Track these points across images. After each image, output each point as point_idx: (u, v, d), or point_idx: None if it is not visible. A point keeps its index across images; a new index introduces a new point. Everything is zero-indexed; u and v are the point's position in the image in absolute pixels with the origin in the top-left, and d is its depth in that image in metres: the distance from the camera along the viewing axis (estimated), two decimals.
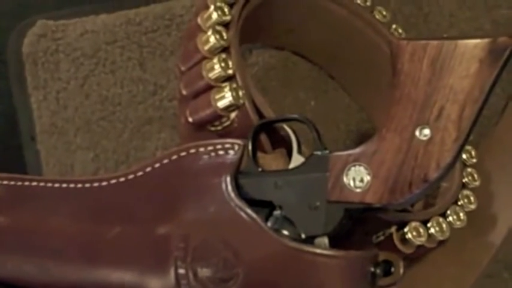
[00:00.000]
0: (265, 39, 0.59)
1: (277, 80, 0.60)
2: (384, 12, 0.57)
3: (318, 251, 0.40)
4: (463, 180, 0.53)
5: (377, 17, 0.56)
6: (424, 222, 0.48)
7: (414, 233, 0.47)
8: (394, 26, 0.57)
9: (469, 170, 0.54)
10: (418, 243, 0.48)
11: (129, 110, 0.57)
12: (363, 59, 0.57)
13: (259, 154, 0.46)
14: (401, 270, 0.43)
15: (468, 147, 0.54)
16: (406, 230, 0.47)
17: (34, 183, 0.50)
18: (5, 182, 0.50)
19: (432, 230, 0.48)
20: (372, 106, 0.59)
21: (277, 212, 0.42)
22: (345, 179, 0.41)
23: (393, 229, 0.48)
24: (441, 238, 0.49)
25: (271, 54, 0.61)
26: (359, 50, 0.57)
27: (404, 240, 0.48)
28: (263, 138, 0.46)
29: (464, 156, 0.54)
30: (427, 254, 0.53)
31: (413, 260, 0.53)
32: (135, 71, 0.58)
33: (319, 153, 0.42)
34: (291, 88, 0.60)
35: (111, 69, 0.58)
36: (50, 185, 0.50)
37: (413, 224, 0.48)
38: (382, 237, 0.48)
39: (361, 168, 0.40)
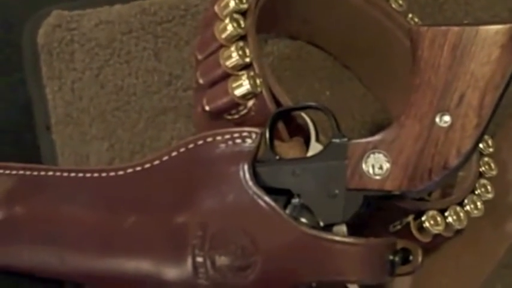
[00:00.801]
0: (281, 29, 0.59)
1: (292, 69, 0.60)
2: (400, 1, 0.57)
3: (337, 238, 0.40)
4: (480, 170, 0.53)
5: (393, 6, 0.56)
6: (442, 211, 0.48)
7: (432, 222, 0.47)
8: (410, 15, 0.57)
9: (486, 159, 0.53)
10: (436, 232, 0.48)
11: (144, 100, 0.57)
12: (379, 48, 0.57)
13: (277, 142, 0.46)
14: (420, 259, 0.42)
15: (485, 137, 0.54)
16: (423, 218, 0.47)
17: (50, 173, 0.50)
18: (21, 172, 0.51)
19: (450, 219, 0.48)
20: (388, 96, 0.59)
21: (295, 200, 0.42)
22: (363, 167, 0.41)
23: (410, 218, 0.48)
24: (458, 227, 0.49)
25: (286, 44, 0.60)
26: (375, 40, 0.56)
27: (421, 228, 0.48)
28: (280, 126, 0.46)
29: (481, 145, 0.54)
30: (444, 244, 0.53)
31: (430, 250, 0.52)
32: (150, 61, 0.58)
33: (337, 141, 0.42)
34: (306, 78, 0.60)
35: (126, 60, 0.58)
36: (65, 174, 0.50)
37: (431, 212, 0.48)
38: (399, 226, 0.48)
39: (380, 156, 0.40)
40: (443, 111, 0.39)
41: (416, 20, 0.57)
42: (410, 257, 0.43)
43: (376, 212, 0.44)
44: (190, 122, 0.57)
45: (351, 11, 0.55)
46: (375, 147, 0.40)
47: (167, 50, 0.59)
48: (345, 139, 0.42)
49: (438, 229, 0.47)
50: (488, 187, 0.52)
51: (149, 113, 0.57)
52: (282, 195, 0.43)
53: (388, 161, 0.40)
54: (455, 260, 0.54)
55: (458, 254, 0.53)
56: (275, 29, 0.59)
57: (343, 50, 0.59)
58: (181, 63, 0.59)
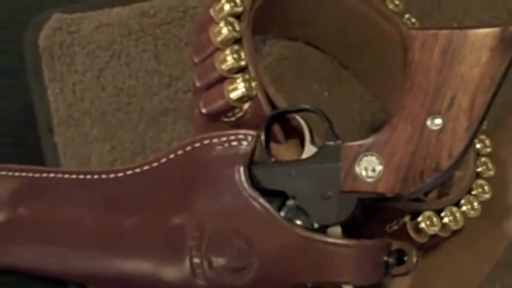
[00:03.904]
0: (278, 30, 0.59)
1: (290, 70, 0.60)
2: (397, 2, 0.57)
3: (330, 240, 0.41)
4: (477, 170, 0.53)
5: (389, 6, 0.56)
6: (438, 212, 0.49)
7: (428, 223, 0.48)
8: (407, 16, 0.57)
9: (483, 159, 0.53)
10: (432, 232, 0.48)
11: (145, 101, 0.57)
12: (375, 48, 0.57)
13: (273, 144, 0.46)
14: (415, 259, 0.43)
15: (482, 137, 0.54)
16: (419, 219, 0.48)
17: (52, 175, 0.51)
18: (24, 174, 0.51)
19: (446, 220, 0.49)
20: (385, 96, 0.59)
21: (290, 202, 0.43)
22: (357, 169, 0.41)
23: (407, 218, 0.48)
24: (455, 228, 0.49)
25: (285, 44, 0.61)
26: (371, 40, 0.57)
27: (418, 229, 0.48)
28: (276, 128, 0.46)
29: (478, 145, 0.54)
30: (442, 243, 0.53)
31: (428, 249, 0.53)
32: (150, 62, 0.59)
33: (331, 143, 0.43)
34: (305, 79, 0.60)
35: (126, 62, 0.58)
36: (67, 176, 0.51)
37: (427, 213, 0.48)
38: (395, 227, 0.49)
39: (373, 158, 0.41)
40: (434, 114, 0.39)
41: (413, 20, 0.57)
42: (405, 258, 0.43)
43: (373, 213, 0.45)
44: (190, 123, 0.57)
45: (346, 11, 0.55)
46: (367, 150, 0.41)
47: (167, 52, 0.59)
48: (339, 141, 0.43)
49: (434, 230, 0.48)
50: (486, 187, 0.52)
51: (150, 114, 0.57)
52: (277, 197, 0.43)
53: (380, 164, 0.40)
54: (453, 260, 0.54)
55: (457, 253, 0.53)
56: (272, 31, 0.59)
57: (341, 50, 0.60)
58: (181, 64, 0.59)
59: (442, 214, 0.49)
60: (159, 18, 0.59)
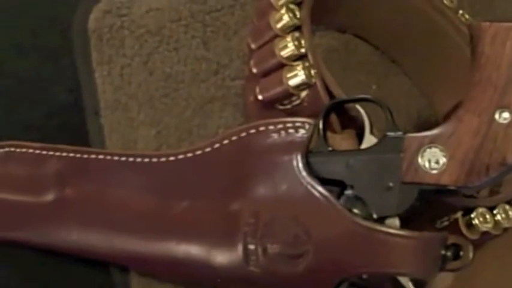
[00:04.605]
0: (329, 21, 0.59)
1: (339, 62, 0.60)
2: None
3: (393, 231, 0.40)
4: None
5: (444, 1, 0.56)
6: (490, 209, 0.48)
7: (481, 219, 0.47)
8: (461, 12, 0.57)
9: None
10: (484, 229, 0.47)
11: (192, 88, 0.57)
12: (430, 44, 0.57)
13: (329, 134, 0.46)
14: (471, 255, 0.42)
15: None
16: (473, 215, 0.47)
17: (100, 156, 0.51)
18: (71, 155, 0.51)
19: (498, 217, 0.48)
20: (435, 92, 0.59)
21: (348, 191, 0.43)
22: (420, 160, 0.41)
23: (459, 214, 0.48)
24: (507, 225, 0.49)
25: (334, 36, 0.60)
26: (426, 35, 0.56)
27: (470, 225, 0.48)
28: (333, 118, 0.46)
29: None
30: (488, 242, 0.53)
31: (476, 247, 0.52)
32: (199, 49, 0.58)
33: (392, 134, 0.42)
34: (353, 71, 0.60)
35: (175, 47, 0.58)
36: (116, 158, 0.50)
37: (480, 209, 0.48)
38: (446, 222, 0.48)
39: (437, 150, 0.40)
40: (503, 108, 0.39)
41: (467, 16, 0.57)
42: (461, 253, 0.43)
43: (424, 208, 0.44)
44: (237, 111, 0.57)
45: (403, 5, 0.55)
46: (431, 142, 0.41)
47: (215, 39, 0.59)
48: (400, 132, 0.42)
49: (487, 226, 0.47)
50: None
51: (197, 101, 0.57)
52: (332, 185, 0.43)
53: (445, 156, 0.40)
54: (499, 259, 0.53)
55: (503, 253, 0.53)
56: (324, 21, 0.59)
57: (392, 44, 0.59)
58: (229, 52, 0.59)
59: (495, 211, 0.48)
60: (209, 5, 0.59)
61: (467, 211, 0.48)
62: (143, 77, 0.57)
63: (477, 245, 0.51)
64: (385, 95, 0.60)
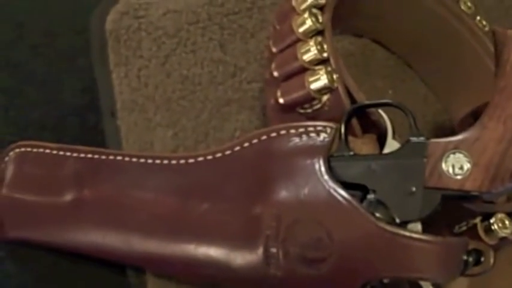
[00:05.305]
0: (346, 25, 0.59)
1: (355, 66, 0.60)
2: (469, 4, 0.57)
3: (416, 235, 0.40)
4: None
5: (462, 7, 0.56)
6: (509, 215, 0.48)
7: (500, 224, 0.47)
8: (478, 18, 0.57)
9: None
10: (503, 234, 0.48)
11: (209, 90, 0.57)
12: (447, 50, 0.57)
13: (350, 138, 0.46)
14: (492, 261, 0.43)
15: None
16: (492, 221, 0.47)
17: (118, 158, 0.51)
18: (89, 156, 0.51)
19: None
20: (452, 98, 0.59)
21: (370, 196, 0.43)
22: (443, 166, 0.41)
23: (478, 220, 0.48)
24: None
25: (351, 41, 0.61)
26: (444, 41, 0.56)
27: (489, 231, 0.48)
28: (354, 122, 0.46)
29: None
30: (503, 248, 0.53)
31: None
32: (216, 52, 0.59)
33: (415, 139, 0.42)
34: (370, 76, 0.60)
35: (192, 49, 0.58)
36: (134, 160, 0.50)
37: (499, 215, 0.48)
38: (464, 228, 0.48)
39: (461, 156, 0.40)
40: None
41: (484, 23, 0.57)
42: (482, 259, 0.43)
43: (443, 213, 0.44)
44: (254, 114, 0.57)
45: (421, 11, 0.55)
46: (455, 147, 0.41)
47: (233, 42, 0.59)
48: (423, 138, 0.42)
49: (506, 232, 0.47)
50: None
51: (213, 104, 0.57)
52: (354, 189, 0.43)
53: (469, 162, 0.40)
54: None
55: None
56: (341, 25, 0.59)
57: (410, 49, 0.59)
58: (246, 55, 0.59)
59: None
60: (226, 7, 0.60)
61: (486, 216, 0.48)
62: (160, 79, 0.57)
63: (493, 250, 0.51)
64: (401, 100, 0.59)
